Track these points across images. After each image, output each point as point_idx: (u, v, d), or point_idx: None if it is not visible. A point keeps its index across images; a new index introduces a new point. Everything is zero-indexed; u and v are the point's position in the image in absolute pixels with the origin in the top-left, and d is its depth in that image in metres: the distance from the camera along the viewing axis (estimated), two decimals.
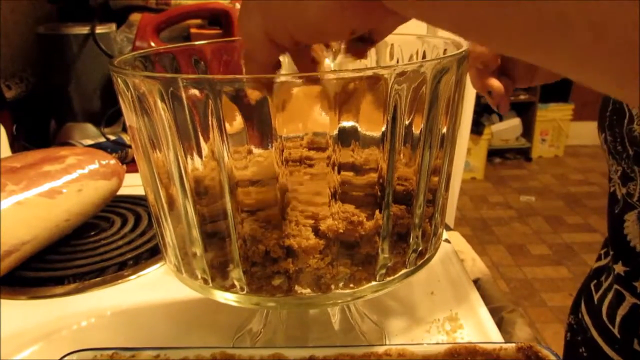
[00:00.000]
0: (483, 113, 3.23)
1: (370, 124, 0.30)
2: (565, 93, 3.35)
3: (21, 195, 0.52)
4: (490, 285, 0.79)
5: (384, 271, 0.34)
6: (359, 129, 0.30)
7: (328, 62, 0.44)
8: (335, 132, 0.30)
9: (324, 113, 0.29)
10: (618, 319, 0.54)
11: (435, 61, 0.30)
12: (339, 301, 0.34)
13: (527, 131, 3.42)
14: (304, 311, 0.42)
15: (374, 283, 0.34)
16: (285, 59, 0.33)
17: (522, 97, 3.28)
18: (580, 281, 0.67)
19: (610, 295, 0.56)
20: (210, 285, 0.35)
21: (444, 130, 0.34)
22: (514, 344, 0.34)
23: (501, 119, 3.32)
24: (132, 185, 0.66)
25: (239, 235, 0.32)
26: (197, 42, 0.43)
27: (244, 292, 0.34)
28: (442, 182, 0.37)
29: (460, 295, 0.50)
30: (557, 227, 2.58)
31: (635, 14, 0.14)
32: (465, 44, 0.34)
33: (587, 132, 3.33)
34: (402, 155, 0.32)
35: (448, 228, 0.91)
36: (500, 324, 0.71)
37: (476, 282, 0.76)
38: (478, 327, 0.45)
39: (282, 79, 0.29)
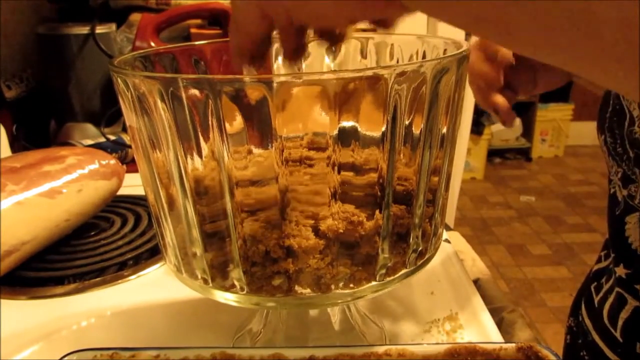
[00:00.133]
0: (483, 113, 3.22)
1: (370, 124, 0.30)
2: (565, 93, 3.35)
3: (21, 195, 0.52)
4: (490, 285, 0.79)
5: (384, 271, 0.34)
6: (359, 129, 0.30)
7: (328, 62, 0.44)
8: (335, 132, 0.29)
9: (324, 113, 0.29)
10: (620, 322, 0.53)
11: (435, 61, 0.30)
12: (339, 301, 0.34)
13: (527, 131, 3.42)
14: (304, 311, 0.42)
15: (374, 283, 0.34)
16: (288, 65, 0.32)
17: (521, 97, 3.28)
18: (580, 281, 0.67)
19: (611, 298, 0.56)
20: (210, 285, 0.35)
21: (444, 130, 0.34)
22: (514, 344, 0.34)
23: None
24: (132, 185, 0.66)
25: (239, 235, 0.32)
26: (197, 42, 0.43)
27: (244, 292, 0.34)
28: (442, 182, 0.37)
29: (460, 295, 0.50)
30: (557, 227, 2.58)
31: None
32: (465, 44, 0.34)
33: (587, 132, 3.33)
34: (402, 155, 0.32)
35: (448, 228, 0.91)
36: (500, 324, 0.71)
37: (476, 282, 0.76)
38: (478, 327, 0.45)
39: (282, 79, 0.29)
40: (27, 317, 0.48)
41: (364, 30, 0.44)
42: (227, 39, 0.33)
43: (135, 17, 0.96)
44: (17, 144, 0.85)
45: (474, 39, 0.42)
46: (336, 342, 0.41)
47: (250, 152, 0.30)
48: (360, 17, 0.25)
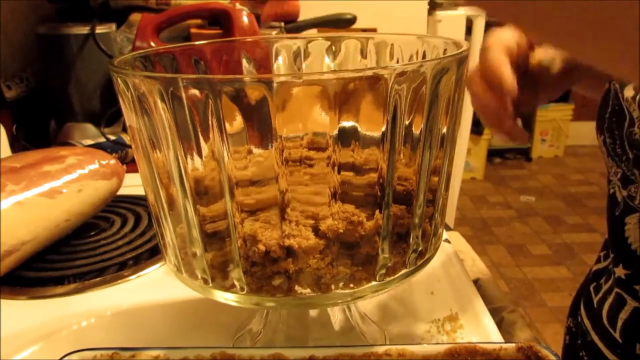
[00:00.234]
0: None
1: (370, 124, 0.30)
2: (565, 93, 3.35)
3: (21, 195, 0.52)
4: (490, 285, 0.79)
5: (384, 271, 0.34)
6: (359, 129, 0.30)
7: (328, 62, 0.44)
8: (335, 132, 0.30)
9: (324, 113, 0.29)
10: (620, 323, 0.53)
11: (435, 61, 0.30)
12: (339, 301, 0.34)
13: (527, 131, 3.42)
14: (304, 311, 0.42)
15: (374, 283, 0.34)
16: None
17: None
18: (580, 281, 0.67)
19: (610, 299, 0.56)
20: (210, 285, 0.35)
21: (444, 130, 0.34)
22: (514, 344, 0.34)
23: None
24: (132, 185, 0.66)
25: (239, 235, 0.32)
26: (197, 42, 0.43)
27: (244, 292, 0.34)
28: (442, 182, 0.37)
29: (460, 295, 0.50)
30: (557, 227, 2.58)
31: None
32: (465, 44, 0.34)
33: (587, 132, 3.33)
34: (402, 155, 0.32)
35: (448, 228, 0.91)
36: (500, 324, 0.71)
37: (476, 282, 0.76)
38: (478, 327, 0.45)
39: (282, 79, 0.29)
40: (27, 317, 0.48)
41: (363, 30, 0.44)
42: (227, 39, 0.33)
43: (135, 17, 0.96)
44: (17, 144, 0.85)
45: (473, 64, 0.42)
46: (336, 342, 0.41)
47: (250, 152, 0.30)
48: None
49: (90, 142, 0.85)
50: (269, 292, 0.33)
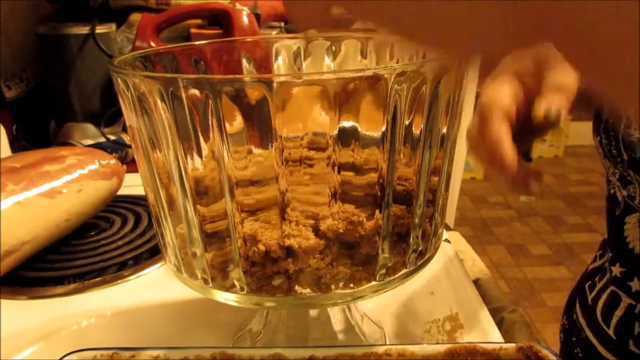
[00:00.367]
0: None
1: (370, 124, 0.30)
2: None
3: (21, 195, 0.52)
4: (490, 285, 0.79)
5: (384, 271, 0.34)
6: (359, 129, 0.30)
7: (328, 62, 0.44)
8: (335, 132, 0.29)
9: (324, 113, 0.29)
10: (614, 319, 0.54)
11: (435, 61, 0.30)
12: (339, 301, 0.34)
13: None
14: (304, 311, 0.42)
15: (374, 283, 0.34)
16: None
17: None
18: None
19: (604, 296, 0.56)
20: (210, 285, 0.35)
21: (444, 130, 0.34)
22: (514, 344, 0.34)
23: None
24: (132, 185, 0.66)
25: (239, 235, 0.32)
26: (197, 42, 0.43)
27: (244, 292, 0.34)
28: (442, 182, 0.37)
29: (460, 295, 0.50)
30: (557, 227, 2.58)
31: None
32: None
33: (587, 132, 3.31)
34: (402, 155, 0.32)
35: (448, 228, 0.91)
36: (500, 324, 0.71)
37: (476, 282, 0.76)
38: (478, 327, 0.45)
39: (282, 79, 0.29)
40: (27, 317, 0.48)
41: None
42: (227, 39, 0.33)
43: (135, 17, 0.96)
44: (17, 144, 0.85)
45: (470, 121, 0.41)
46: (336, 342, 0.41)
47: (250, 152, 0.30)
48: None
49: (90, 142, 0.85)
50: (269, 292, 0.33)
